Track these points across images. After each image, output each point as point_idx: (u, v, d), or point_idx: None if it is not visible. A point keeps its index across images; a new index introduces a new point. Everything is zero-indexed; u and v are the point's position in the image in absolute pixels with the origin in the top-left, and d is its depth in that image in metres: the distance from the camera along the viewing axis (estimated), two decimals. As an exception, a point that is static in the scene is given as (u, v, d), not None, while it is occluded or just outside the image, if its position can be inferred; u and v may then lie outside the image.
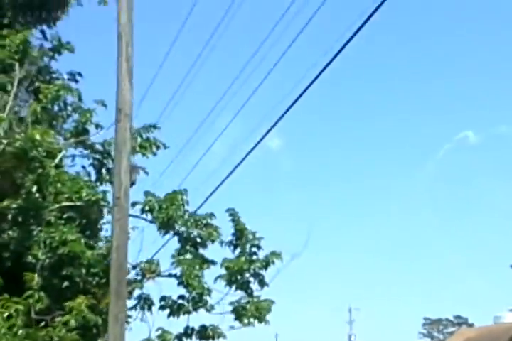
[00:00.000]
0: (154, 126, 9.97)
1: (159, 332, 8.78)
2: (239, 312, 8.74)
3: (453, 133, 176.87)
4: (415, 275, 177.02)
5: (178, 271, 9.06)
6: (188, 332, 8.96)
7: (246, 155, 10.10)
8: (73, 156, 10.12)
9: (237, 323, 8.89)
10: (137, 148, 9.66)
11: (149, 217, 9.37)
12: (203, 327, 8.97)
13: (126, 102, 7.63)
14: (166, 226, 8.97)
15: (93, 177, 10.06)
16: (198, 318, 9.15)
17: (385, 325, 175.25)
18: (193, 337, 9.10)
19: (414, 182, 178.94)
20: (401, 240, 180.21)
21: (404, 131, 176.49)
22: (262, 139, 9.45)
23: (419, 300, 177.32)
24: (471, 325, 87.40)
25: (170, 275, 9.09)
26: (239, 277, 9.04)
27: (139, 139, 9.71)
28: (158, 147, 10.00)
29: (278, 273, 10.13)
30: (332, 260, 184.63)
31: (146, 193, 9.40)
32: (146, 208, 9.16)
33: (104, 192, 9.09)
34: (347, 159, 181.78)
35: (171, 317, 8.91)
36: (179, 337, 9.06)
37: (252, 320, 8.72)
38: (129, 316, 9.21)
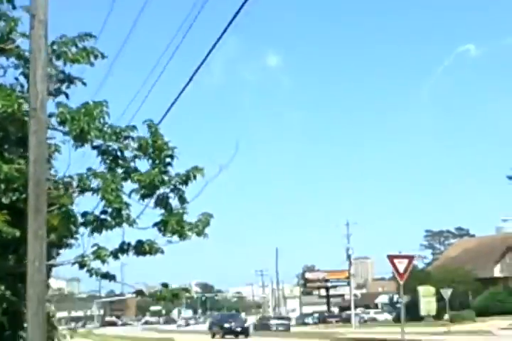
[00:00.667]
0: (90, 35, 9.32)
1: (95, 248, 8.54)
2: (166, 226, 8.45)
3: (453, 47, 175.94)
4: (417, 189, 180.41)
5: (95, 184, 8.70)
6: (124, 247, 8.68)
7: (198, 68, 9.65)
8: (2, 67, 9.63)
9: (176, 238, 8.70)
10: (71, 57, 9.05)
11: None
12: (140, 242, 8.68)
13: (40, 7, 7.24)
14: (79, 138, 8.52)
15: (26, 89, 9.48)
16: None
17: (387, 238, 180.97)
18: (130, 253, 8.82)
19: (415, 98, 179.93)
20: (402, 155, 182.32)
21: (404, 48, 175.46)
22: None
23: (421, 213, 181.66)
24: (472, 236, 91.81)
25: (88, 190, 8.72)
26: (157, 191, 8.70)
27: (74, 49, 9.07)
28: (96, 56, 9.31)
29: (206, 184, 9.55)
30: (338, 175, 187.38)
31: (58, 104, 8.87)
32: (58, 120, 8.61)
33: (20, 104, 8.39)
34: (345, 77, 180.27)
35: (95, 234, 8.66)
36: (114, 253, 8.77)
37: (190, 233, 8.49)
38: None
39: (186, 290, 11.72)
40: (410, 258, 25.61)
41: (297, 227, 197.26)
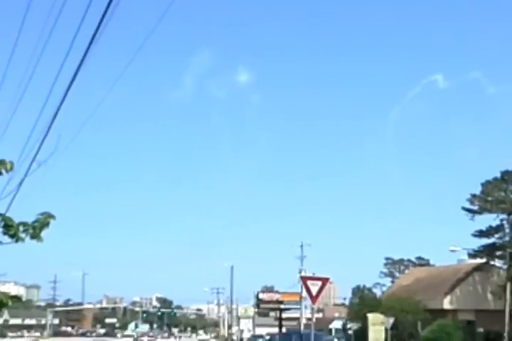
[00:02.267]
0: None
1: None
2: (9, 227, 7.82)
3: (422, 76, 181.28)
4: (379, 216, 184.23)
5: None
6: None
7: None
8: None
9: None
10: None
11: None
12: None
13: None
14: None
15: None
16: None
17: (351, 264, 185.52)
18: None
19: (381, 125, 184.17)
20: (366, 183, 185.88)
21: (374, 73, 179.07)
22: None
23: (384, 240, 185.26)
24: (430, 265, 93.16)
25: None
26: None
27: None
28: None
29: (23, 180, 9.40)
30: (304, 196, 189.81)
31: None
32: None
33: None
34: (314, 99, 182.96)
35: None
36: None
37: (24, 235, 7.82)
38: None
39: (16, 298, 9.68)
40: (324, 280, 23.99)
41: (260, 247, 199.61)
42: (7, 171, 7.72)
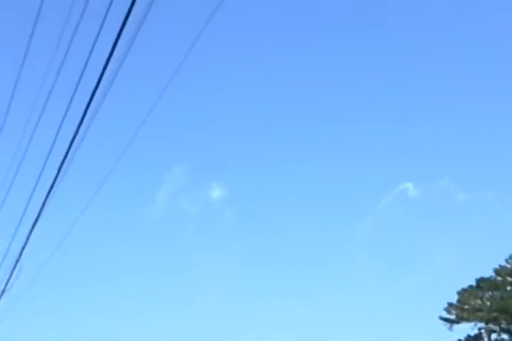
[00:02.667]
0: None
1: None
2: None
3: (392, 185, 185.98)
4: (357, 327, 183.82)
5: None
6: None
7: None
8: None
9: None
10: None
11: None
12: None
13: None
14: None
15: None
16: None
17: None
18: None
19: (353, 236, 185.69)
20: (341, 295, 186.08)
21: (342, 181, 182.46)
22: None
23: None
24: None
25: None
26: None
27: None
28: None
29: None
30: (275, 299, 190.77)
31: None
32: None
33: None
34: (285, 212, 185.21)
35: None
36: None
37: None
38: None
39: None
40: None
41: None
42: None
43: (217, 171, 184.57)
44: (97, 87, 8.13)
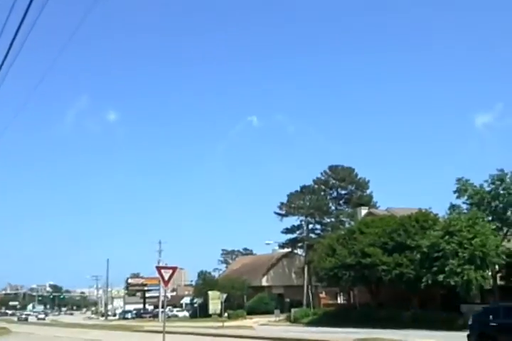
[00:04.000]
0: None
1: None
2: None
3: (241, 116, 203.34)
4: (218, 219, 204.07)
5: None
6: None
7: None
8: None
9: None
10: None
11: None
12: None
13: None
14: None
15: None
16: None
17: (196, 254, 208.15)
18: None
19: (210, 159, 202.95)
20: (202, 196, 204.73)
21: (199, 112, 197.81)
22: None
23: (220, 237, 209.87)
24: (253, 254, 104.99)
25: None
26: None
27: None
28: None
29: None
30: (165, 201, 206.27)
31: None
32: None
33: None
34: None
35: None
36: None
37: None
38: None
39: None
40: (174, 268, 26.65)
41: (129, 241, 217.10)
42: None
43: (114, 99, 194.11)
44: None
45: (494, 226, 43.15)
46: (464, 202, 45.92)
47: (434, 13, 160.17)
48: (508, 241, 44.64)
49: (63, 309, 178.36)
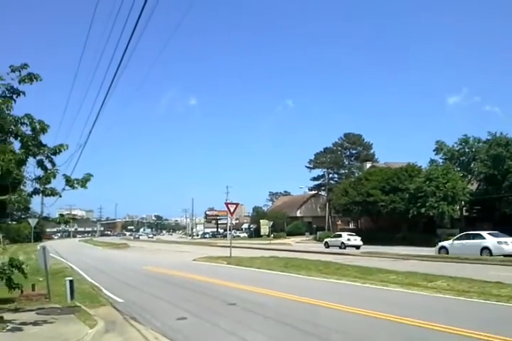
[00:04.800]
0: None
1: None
2: (69, 181, 8.12)
3: (280, 100, 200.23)
4: (267, 169, 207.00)
5: None
6: (35, 191, 8.25)
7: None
8: None
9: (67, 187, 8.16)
10: None
11: None
12: (46, 188, 8.18)
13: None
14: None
15: None
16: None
17: (249, 195, 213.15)
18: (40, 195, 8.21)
19: (260, 130, 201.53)
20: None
21: (247, 96, 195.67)
22: None
23: (268, 182, 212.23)
24: (290, 195, 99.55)
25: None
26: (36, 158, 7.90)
27: None
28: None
29: (71, 156, 11.90)
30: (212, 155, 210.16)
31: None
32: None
33: None
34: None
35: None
36: (30, 194, 8.25)
37: (77, 185, 8.16)
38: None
39: (73, 218, 9.38)
40: (237, 204, 25.79)
41: (207, 186, 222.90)
42: (65, 149, 7.86)
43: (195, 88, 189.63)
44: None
45: (461, 175, 42.76)
46: (440, 158, 46.04)
47: (414, 16, 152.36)
48: (471, 184, 44.18)
49: (163, 231, 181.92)
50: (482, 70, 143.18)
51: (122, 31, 8.43)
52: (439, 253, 24.46)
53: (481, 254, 22.09)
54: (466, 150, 44.20)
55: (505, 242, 22.20)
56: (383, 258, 24.77)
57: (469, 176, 44.14)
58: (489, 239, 22.69)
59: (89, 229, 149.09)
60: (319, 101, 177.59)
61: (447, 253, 23.92)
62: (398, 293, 11.61)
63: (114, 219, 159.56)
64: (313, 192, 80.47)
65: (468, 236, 24.17)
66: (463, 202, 42.33)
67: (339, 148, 77.99)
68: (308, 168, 78.39)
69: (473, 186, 44.12)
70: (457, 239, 24.58)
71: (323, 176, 76.79)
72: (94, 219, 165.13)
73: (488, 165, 40.23)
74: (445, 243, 25.14)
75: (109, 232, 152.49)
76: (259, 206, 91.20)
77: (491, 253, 21.95)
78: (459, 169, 43.78)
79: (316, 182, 78.36)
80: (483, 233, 23.63)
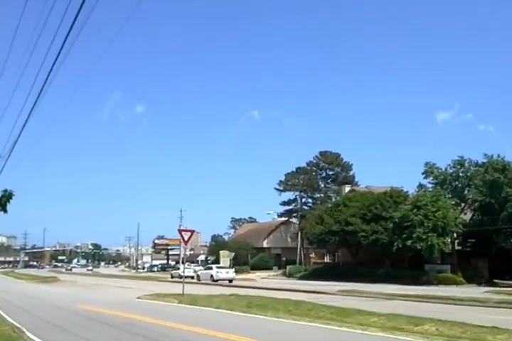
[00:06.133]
0: None
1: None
2: None
3: (245, 111, 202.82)
4: (232, 192, 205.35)
5: None
6: None
7: None
8: None
9: None
10: None
11: None
12: None
13: None
14: None
15: None
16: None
17: (211, 221, 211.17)
18: None
19: (221, 144, 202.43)
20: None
21: (205, 103, 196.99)
22: None
23: (232, 207, 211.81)
24: (256, 222, 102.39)
25: None
26: None
27: None
28: None
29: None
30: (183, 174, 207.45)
31: None
32: None
33: None
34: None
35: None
36: None
37: None
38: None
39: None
40: (192, 231, 26.15)
41: (156, 209, 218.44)
42: None
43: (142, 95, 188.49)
44: None
45: (454, 202, 43.48)
46: (429, 182, 46.24)
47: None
48: (465, 214, 44.90)
49: (102, 263, 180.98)
50: (474, 88, 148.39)
51: (59, 27, 8.64)
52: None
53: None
54: (461, 174, 44.55)
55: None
56: (363, 297, 25.05)
57: (463, 204, 44.91)
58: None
59: (11, 259, 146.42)
60: (291, 114, 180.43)
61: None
62: (379, 338, 11.63)
63: (41, 248, 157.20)
64: (283, 219, 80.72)
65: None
66: (455, 234, 42.87)
67: (314, 169, 78.71)
68: (277, 190, 78.76)
69: (467, 216, 44.83)
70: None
71: (295, 200, 77.07)
72: (18, 247, 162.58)
73: (484, 192, 40.69)
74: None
75: (34, 263, 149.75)
76: (219, 234, 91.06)
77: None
78: (450, 196, 44.27)
79: (287, 208, 78.66)
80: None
